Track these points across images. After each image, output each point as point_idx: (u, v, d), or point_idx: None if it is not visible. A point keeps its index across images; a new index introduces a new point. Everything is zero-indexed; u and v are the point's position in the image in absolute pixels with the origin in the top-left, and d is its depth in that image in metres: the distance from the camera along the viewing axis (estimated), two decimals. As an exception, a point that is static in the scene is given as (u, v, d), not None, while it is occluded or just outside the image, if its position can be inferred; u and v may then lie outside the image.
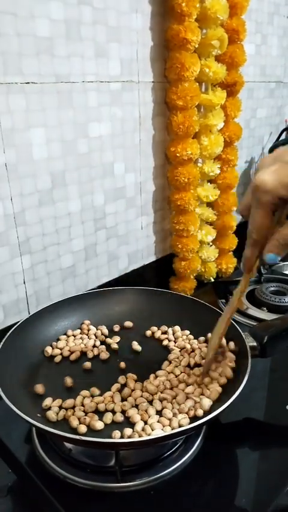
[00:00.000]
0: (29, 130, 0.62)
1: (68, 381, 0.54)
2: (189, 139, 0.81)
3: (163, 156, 0.86)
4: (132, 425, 0.47)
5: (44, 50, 0.61)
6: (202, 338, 0.62)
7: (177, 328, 0.66)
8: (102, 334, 0.65)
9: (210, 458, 0.50)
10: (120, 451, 0.46)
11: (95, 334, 0.65)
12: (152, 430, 0.46)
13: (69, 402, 0.50)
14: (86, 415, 0.48)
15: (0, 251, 0.64)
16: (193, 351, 0.60)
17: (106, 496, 0.46)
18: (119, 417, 0.48)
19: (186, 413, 0.48)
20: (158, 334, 0.66)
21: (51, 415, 0.48)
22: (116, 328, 0.67)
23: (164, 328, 0.66)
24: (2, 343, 0.54)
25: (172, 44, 0.74)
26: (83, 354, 0.61)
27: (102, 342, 0.64)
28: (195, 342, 0.62)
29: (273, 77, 1.16)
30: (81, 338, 0.64)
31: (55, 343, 0.62)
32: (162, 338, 0.64)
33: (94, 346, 0.63)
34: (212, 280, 0.97)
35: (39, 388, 0.53)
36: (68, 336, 0.64)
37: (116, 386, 0.54)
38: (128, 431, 0.46)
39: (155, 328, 0.67)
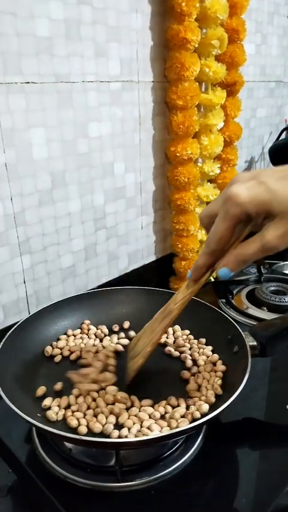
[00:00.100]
0: (29, 130, 0.62)
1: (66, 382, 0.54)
2: (189, 139, 0.81)
3: (163, 156, 0.86)
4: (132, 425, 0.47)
5: (44, 50, 0.61)
6: (203, 340, 0.62)
7: (177, 327, 0.66)
8: (102, 333, 0.65)
9: (210, 458, 0.50)
10: (120, 450, 0.46)
11: (95, 334, 0.65)
12: (152, 431, 0.46)
13: (68, 402, 0.50)
14: (85, 416, 0.48)
15: (0, 251, 0.64)
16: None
17: (106, 495, 0.46)
18: (119, 417, 0.48)
19: (186, 415, 0.48)
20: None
21: (51, 414, 0.48)
22: (116, 328, 0.67)
23: (164, 328, 0.66)
24: (2, 343, 0.54)
25: (172, 43, 0.74)
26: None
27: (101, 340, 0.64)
28: (195, 342, 0.63)
29: (273, 76, 1.16)
30: (81, 338, 0.64)
31: (55, 342, 0.62)
32: (162, 338, 0.64)
33: (94, 345, 0.63)
34: (212, 280, 0.97)
35: (39, 388, 0.53)
36: (68, 336, 0.64)
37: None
38: (128, 431, 0.46)
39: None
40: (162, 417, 0.48)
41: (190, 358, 0.59)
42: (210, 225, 0.41)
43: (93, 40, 0.67)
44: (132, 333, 0.66)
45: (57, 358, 0.59)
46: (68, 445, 0.50)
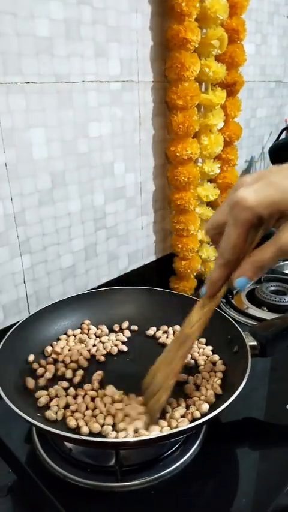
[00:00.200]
0: (29, 130, 0.62)
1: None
2: (189, 139, 0.80)
3: (163, 156, 0.86)
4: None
5: (44, 50, 0.61)
6: (203, 339, 0.62)
7: (177, 327, 0.66)
8: (102, 333, 0.65)
9: (210, 458, 0.50)
10: (120, 450, 0.46)
11: (95, 334, 0.65)
12: (151, 431, 0.46)
13: (66, 402, 0.50)
14: (84, 416, 0.48)
15: (0, 251, 0.64)
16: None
17: (106, 495, 0.46)
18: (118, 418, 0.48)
19: (186, 415, 0.48)
20: (158, 333, 0.66)
21: (51, 414, 0.48)
22: (116, 327, 0.67)
23: (164, 327, 0.66)
24: (2, 343, 0.54)
25: (172, 43, 0.74)
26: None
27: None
28: (195, 342, 0.62)
29: (273, 76, 1.16)
30: (79, 339, 0.64)
31: (55, 342, 0.62)
32: (162, 338, 0.64)
33: (94, 345, 0.63)
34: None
35: (40, 388, 0.53)
36: (68, 336, 0.64)
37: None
38: (127, 431, 0.46)
39: (155, 328, 0.67)
40: (162, 417, 0.48)
41: (190, 358, 0.59)
42: (217, 236, 0.39)
43: (93, 40, 0.67)
44: (129, 333, 0.66)
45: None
46: (68, 445, 0.50)
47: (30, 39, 0.59)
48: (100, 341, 0.64)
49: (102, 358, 0.60)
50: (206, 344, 0.62)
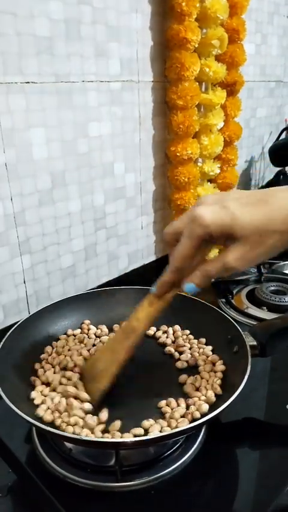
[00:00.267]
0: (29, 130, 0.62)
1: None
2: (189, 139, 0.81)
3: (163, 156, 0.86)
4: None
5: (44, 50, 0.61)
6: (203, 339, 0.62)
7: (177, 327, 0.66)
8: (102, 333, 0.65)
9: (210, 458, 0.50)
10: (120, 450, 0.46)
11: (95, 334, 0.65)
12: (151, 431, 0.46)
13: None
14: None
15: (0, 251, 0.64)
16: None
17: (106, 495, 0.46)
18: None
19: (186, 415, 0.48)
20: (158, 333, 0.66)
21: (48, 416, 0.48)
22: (116, 327, 0.67)
23: (164, 327, 0.66)
24: (2, 343, 0.54)
25: (172, 43, 0.74)
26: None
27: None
28: (195, 342, 0.63)
29: (273, 76, 1.16)
30: (79, 339, 0.64)
31: (55, 342, 0.62)
32: (162, 337, 0.64)
33: (94, 345, 0.63)
34: (212, 279, 0.97)
35: (39, 388, 0.53)
36: (68, 336, 0.64)
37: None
38: (127, 431, 0.46)
39: (154, 328, 0.67)
40: (162, 417, 0.48)
41: (190, 357, 0.59)
42: (173, 241, 0.43)
43: (93, 40, 0.67)
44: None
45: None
46: (68, 445, 0.50)
47: (31, 39, 0.59)
48: (100, 341, 0.63)
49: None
50: (206, 344, 0.62)
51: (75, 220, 0.73)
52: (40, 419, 0.47)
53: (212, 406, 0.49)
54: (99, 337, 0.64)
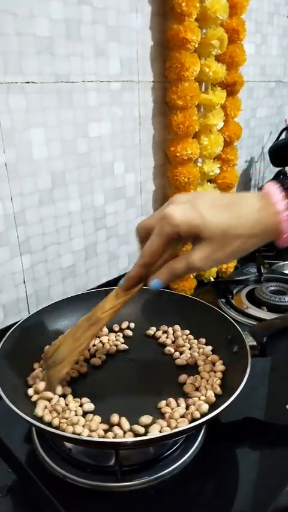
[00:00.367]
0: (29, 130, 0.62)
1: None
2: (189, 139, 0.81)
3: (163, 156, 0.86)
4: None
5: (44, 50, 0.61)
6: (203, 340, 0.62)
7: (177, 327, 0.66)
8: (102, 333, 0.65)
9: (210, 458, 0.50)
10: (120, 450, 0.46)
11: (95, 334, 0.65)
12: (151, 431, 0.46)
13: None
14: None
15: (0, 251, 0.64)
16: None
17: (106, 495, 0.46)
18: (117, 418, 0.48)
19: (185, 415, 0.48)
20: (158, 333, 0.66)
21: (47, 416, 0.48)
22: (116, 327, 0.67)
23: (164, 327, 0.66)
24: (1, 342, 0.54)
25: (172, 43, 0.74)
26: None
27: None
28: (195, 342, 0.63)
29: (273, 76, 1.16)
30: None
31: (55, 342, 0.62)
32: (162, 337, 0.64)
33: (94, 345, 0.63)
34: (212, 279, 0.97)
35: (39, 388, 0.53)
36: (68, 336, 0.64)
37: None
38: (127, 431, 0.46)
39: (154, 328, 0.67)
40: (162, 417, 0.48)
41: (190, 357, 0.59)
42: (145, 237, 0.44)
43: (94, 40, 0.67)
44: (129, 332, 0.66)
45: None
46: (68, 445, 0.50)
47: (31, 39, 0.59)
48: (100, 341, 0.63)
49: (103, 357, 0.60)
50: (206, 344, 0.62)
51: (75, 220, 0.73)
52: (40, 419, 0.47)
53: (212, 406, 0.49)
54: (99, 337, 0.64)
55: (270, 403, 0.59)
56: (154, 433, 0.45)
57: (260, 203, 0.41)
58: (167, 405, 0.50)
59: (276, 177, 1.15)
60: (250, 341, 0.54)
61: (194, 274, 0.77)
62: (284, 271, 1.03)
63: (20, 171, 0.63)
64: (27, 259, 0.68)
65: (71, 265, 0.75)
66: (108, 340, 0.64)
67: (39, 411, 0.47)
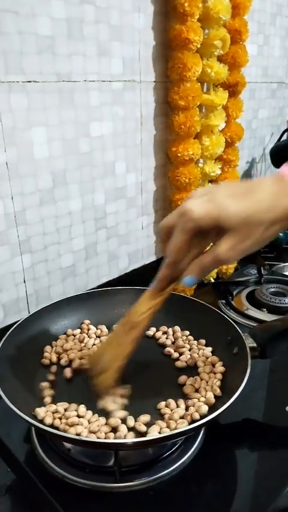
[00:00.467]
0: (30, 129, 0.62)
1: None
2: (191, 140, 0.80)
3: (164, 156, 0.86)
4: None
5: (46, 49, 0.61)
6: (203, 341, 0.62)
7: (177, 328, 0.66)
8: (102, 333, 0.65)
9: (210, 458, 0.50)
10: (119, 451, 0.46)
11: (95, 334, 0.65)
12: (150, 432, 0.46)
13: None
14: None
15: (1, 250, 0.64)
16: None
17: (105, 496, 0.46)
18: (118, 418, 0.48)
19: (185, 416, 0.48)
20: (158, 334, 0.65)
21: (47, 416, 0.48)
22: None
23: (164, 328, 0.66)
24: (1, 342, 0.54)
25: (174, 43, 0.74)
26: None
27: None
28: (195, 343, 0.62)
29: (275, 77, 1.16)
30: (79, 338, 0.64)
31: (55, 342, 0.62)
32: (162, 338, 0.64)
33: (94, 345, 0.62)
34: (212, 280, 0.97)
35: (39, 388, 0.53)
36: (68, 336, 0.64)
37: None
38: (126, 431, 0.46)
39: (154, 329, 0.66)
40: (162, 418, 0.48)
41: (190, 359, 0.59)
42: (167, 236, 0.43)
43: (96, 39, 0.67)
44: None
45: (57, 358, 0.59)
46: (67, 445, 0.50)
47: (32, 38, 0.59)
48: (100, 341, 0.63)
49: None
50: (206, 345, 0.62)
51: (76, 219, 0.73)
52: (39, 419, 0.47)
53: (212, 408, 0.49)
54: (99, 337, 0.64)
55: (269, 405, 0.59)
56: (153, 434, 0.45)
57: (277, 186, 0.41)
58: (167, 406, 0.50)
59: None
60: (250, 342, 0.54)
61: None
62: (285, 273, 1.03)
63: (21, 170, 0.63)
64: (27, 259, 0.68)
65: (71, 265, 0.75)
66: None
67: (40, 412, 0.47)
